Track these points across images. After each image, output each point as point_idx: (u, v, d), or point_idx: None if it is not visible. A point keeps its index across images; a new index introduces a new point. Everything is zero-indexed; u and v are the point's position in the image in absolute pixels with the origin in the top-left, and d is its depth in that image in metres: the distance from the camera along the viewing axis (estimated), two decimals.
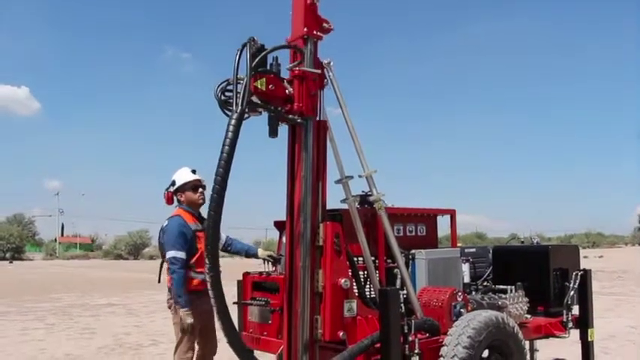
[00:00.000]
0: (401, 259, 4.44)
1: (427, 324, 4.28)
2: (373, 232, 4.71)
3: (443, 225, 5.53)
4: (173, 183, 5.04)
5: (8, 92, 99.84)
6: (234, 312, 5.05)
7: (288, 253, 3.90)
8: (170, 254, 4.78)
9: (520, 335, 4.60)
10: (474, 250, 5.73)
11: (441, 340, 4.26)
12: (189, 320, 4.71)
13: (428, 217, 5.32)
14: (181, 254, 4.76)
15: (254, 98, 3.57)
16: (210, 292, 3.23)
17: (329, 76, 4.13)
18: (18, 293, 18.33)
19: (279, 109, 3.76)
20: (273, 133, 3.76)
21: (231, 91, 3.55)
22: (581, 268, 5.68)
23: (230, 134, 3.33)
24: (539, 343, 6.55)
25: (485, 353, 4.37)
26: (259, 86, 3.58)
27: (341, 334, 4.00)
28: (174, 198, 5.08)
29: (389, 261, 4.78)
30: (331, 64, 4.14)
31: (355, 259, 4.40)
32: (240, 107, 3.39)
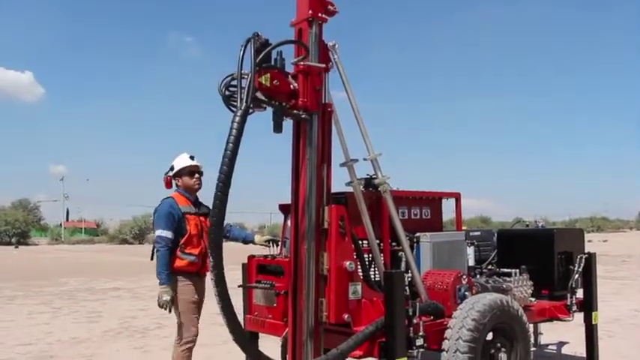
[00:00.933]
0: (406, 242, 4.44)
1: (432, 307, 4.30)
2: (378, 215, 4.71)
3: (448, 209, 5.53)
4: (172, 168, 5.17)
5: (12, 77, 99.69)
6: (239, 295, 5.12)
7: (293, 236, 3.90)
8: (157, 233, 4.92)
9: (524, 318, 4.61)
10: (478, 233, 5.74)
11: (445, 322, 4.28)
12: (166, 297, 4.79)
13: (433, 201, 5.32)
14: (167, 233, 4.87)
15: (258, 94, 3.54)
16: (214, 290, 3.23)
17: (334, 58, 4.11)
18: (24, 278, 18.44)
19: (284, 104, 3.74)
20: (277, 128, 3.75)
21: (235, 86, 3.52)
22: (586, 251, 5.68)
23: (234, 131, 3.30)
24: (543, 327, 6.60)
25: (490, 336, 4.39)
26: (264, 82, 3.55)
27: (346, 316, 4.02)
28: (173, 182, 5.20)
29: (394, 244, 4.79)
30: (336, 46, 4.12)
31: (360, 242, 4.42)
32: (244, 104, 3.36)
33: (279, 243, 5.18)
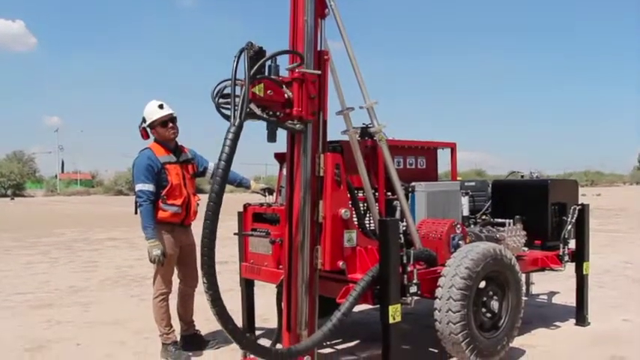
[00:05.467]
0: (401, 191, 4.46)
1: (425, 254, 4.35)
2: (374, 164, 4.72)
3: (443, 163, 5.53)
4: (143, 119, 4.96)
5: (3, 27, 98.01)
6: (235, 243, 5.16)
7: (289, 184, 3.90)
8: (137, 187, 4.81)
9: (517, 267, 4.67)
10: (473, 183, 5.77)
11: (439, 271, 4.33)
12: (156, 252, 4.76)
13: (428, 150, 5.32)
14: (148, 186, 4.78)
15: (252, 106, 3.42)
16: (212, 310, 3.17)
17: (330, 5, 4.03)
18: (21, 229, 18.53)
19: (278, 114, 3.64)
20: (271, 138, 3.64)
21: (228, 95, 3.39)
22: (579, 203, 5.72)
23: (227, 149, 3.16)
24: (535, 277, 6.69)
25: (483, 284, 4.45)
26: (257, 92, 3.43)
27: (340, 263, 4.06)
28: (149, 132, 5.00)
29: (389, 193, 4.80)
30: None
31: (355, 191, 4.43)
32: (238, 120, 3.24)
33: (275, 191, 5.19)
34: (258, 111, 3.46)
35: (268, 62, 3.55)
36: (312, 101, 3.70)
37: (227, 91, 3.40)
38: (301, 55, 3.69)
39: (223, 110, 3.43)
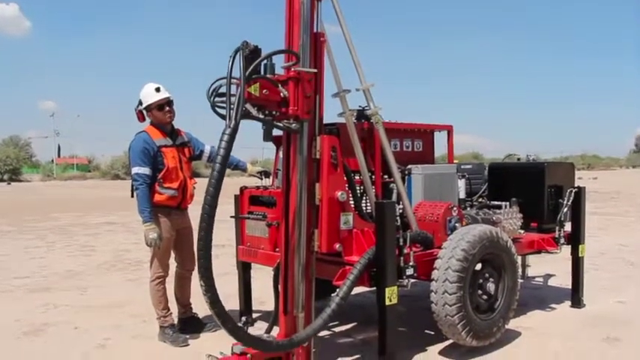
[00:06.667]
0: (397, 174, 4.46)
1: (421, 236, 4.36)
2: (370, 147, 4.71)
3: (440, 146, 5.53)
4: (140, 102, 4.94)
5: None
6: (231, 226, 5.17)
7: (285, 167, 3.89)
8: (133, 170, 4.81)
9: (513, 250, 4.69)
10: (470, 166, 5.76)
11: (435, 253, 4.34)
12: (152, 235, 4.76)
13: (425, 133, 5.31)
14: (144, 170, 4.77)
15: (248, 105, 3.39)
16: (211, 311, 3.17)
17: None
18: (18, 213, 18.51)
19: (274, 112, 3.61)
20: (267, 137, 3.62)
21: (223, 94, 3.36)
22: (576, 185, 5.73)
23: (222, 151, 3.12)
24: (531, 259, 6.72)
25: (479, 266, 4.47)
26: (253, 92, 3.39)
27: (337, 246, 4.07)
28: (145, 114, 4.98)
29: (385, 176, 4.80)
30: None
31: (352, 174, 4.42)
32: (233, 122, 3.21)
33: (272, 174, 5.18)
34: (254, 111, 3.43)
35: (264, 61, 3.53)
36: (308, 100, 3.68)
37: (222, 90, 3.37)
38: (297, 54, 3.66)
39: (219, 109, 3.41)
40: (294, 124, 3.65)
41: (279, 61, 3.71)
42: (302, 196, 3.77)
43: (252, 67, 3.34)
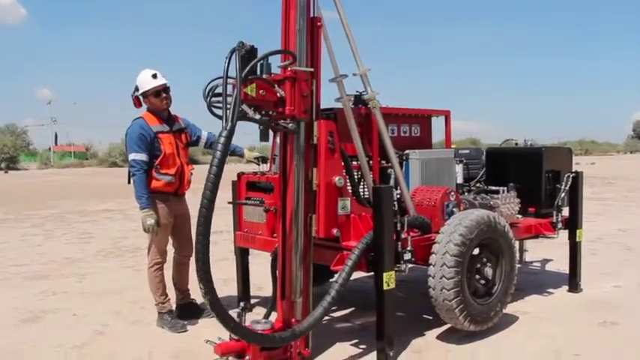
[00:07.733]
0: (395, 159, 4.45)
1: (419, 221, 4.36)
2: (367, 132, 4.70)
3: (438, 132, 5.51)
4: (136, 88, 4.93)
5: None
6: (229, 212, 5.16)
7: (282, 152, 3.88)
8: (130, 157, 4.80)
9: (510, 234, 4.69)
10: (467, 151, 5.76)
11: (433, 238, 4.34)
12: (149, 221, 4.76)
13: (422, 118, 5.29)
14: (141, 156, 4.76)
15: (244, 106, 3.36)
16: (212, 312, 3.17)
17: None
18: (15, 201, 18.50)
19: (271, 113, 3.59)
20: (264, 137, 3.60)
21: (220, 95, 3.33)
22: (573, 170, 5.73)
23: (219, 154, 3.10)
24: (528, 244, 6.74)
25: (476, 251, 4.47)
26: (249, 92, 3.36)
27: (335, 231, 4.07)
28: (142, 101, 4.97)
29: (383, 161, 4.79)
30: None
31: (349, 159, 4.41)
32: (230, 124, 3.19)
33: (269, 160, 5.17)
34: (250, 112, 3.42)
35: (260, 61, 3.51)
36: (304, 99, 3.66)
37: (219, 90, 3.35)
38: (293, 54, 3.64)
39: (215, 110, 3.39)
40: (290, 124, 3.64)
41: (276, 61, 3.70)
42: (299, 181, 3.76)
43: (248, 67, 3.32)
